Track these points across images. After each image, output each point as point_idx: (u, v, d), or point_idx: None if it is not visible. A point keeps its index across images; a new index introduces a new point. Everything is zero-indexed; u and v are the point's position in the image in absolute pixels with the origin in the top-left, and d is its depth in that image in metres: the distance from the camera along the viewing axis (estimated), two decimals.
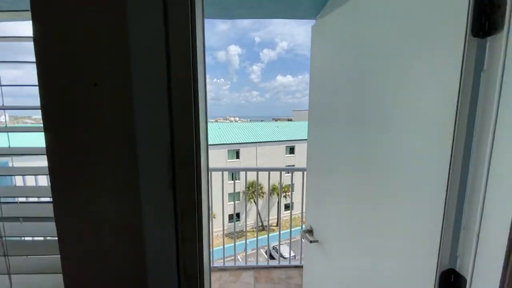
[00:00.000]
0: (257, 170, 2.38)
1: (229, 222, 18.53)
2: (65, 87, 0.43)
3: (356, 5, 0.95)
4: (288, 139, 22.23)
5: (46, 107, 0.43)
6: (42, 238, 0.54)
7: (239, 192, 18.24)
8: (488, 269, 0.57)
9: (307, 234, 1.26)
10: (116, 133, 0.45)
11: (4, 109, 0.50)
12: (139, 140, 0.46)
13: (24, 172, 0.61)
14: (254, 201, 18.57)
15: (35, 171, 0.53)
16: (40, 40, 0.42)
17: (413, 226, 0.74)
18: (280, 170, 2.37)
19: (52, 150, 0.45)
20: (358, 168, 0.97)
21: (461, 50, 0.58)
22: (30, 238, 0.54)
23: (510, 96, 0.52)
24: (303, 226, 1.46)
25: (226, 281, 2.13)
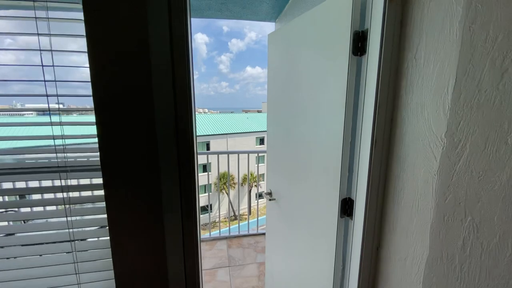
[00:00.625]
0: (228, 153, 2.72)
1: (201, 213, 18.63)
2: (111, 83, 0.71)
3: (293, 28, 1.31)
4: (258, 130, 22.77)
5: (97, 95, 0.71)
6: (88, 181, 0.80)
7: (211, 184, 18.38)
8: (362, 193, 0.99)
9: (267, 196, 1.64)
10: (141, 114, 0.74)
11: (58, 96, 0.74)
12: (157, 125, 0.76)
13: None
14: (226, 192, 18.93)
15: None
16: (94, 55, 0.69)
17: (327, 175, 1.15)
18: (248, 152, 2.74)
19: (99, 123, 0.72)
20: (297, 143, 1.36)
21: (346, 64, 0.97)
22: (76, 182, 0.79)
23: (369, 89, 0.92)
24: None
25: (202, 250, 2.45)
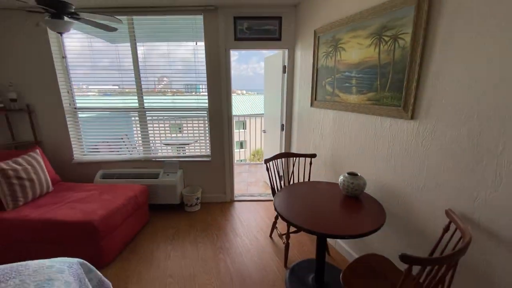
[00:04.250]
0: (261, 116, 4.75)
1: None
2: (212, 73, 2.79)
3: (270, 59, 3.21)
4: None
5: (208, 84, 2.78)
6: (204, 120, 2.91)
7: (245, 159, 20.81)
8: (284, 121, 2.93)
9: (263, 131, 3.65)
10: (218, 88, 2.81)
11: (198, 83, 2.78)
12: (223, 104, 2.81)
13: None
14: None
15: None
16: (208, 64, 2.75)
17: (277, 117, 3.10)
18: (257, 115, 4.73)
19: (208, 95, 2.81)
20: (273, 108, 3.31)
21: (281, 76, 2.88)
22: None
23: (286, 86, 2.83)
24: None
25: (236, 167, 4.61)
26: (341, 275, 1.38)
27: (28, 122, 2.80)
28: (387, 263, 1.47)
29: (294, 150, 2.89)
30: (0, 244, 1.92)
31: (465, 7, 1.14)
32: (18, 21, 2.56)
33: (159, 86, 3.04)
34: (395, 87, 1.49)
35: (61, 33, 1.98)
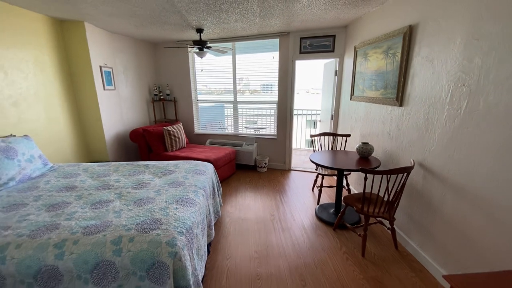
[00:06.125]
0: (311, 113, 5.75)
1: None
2: (282, 77, 4.04)
3: (328, 64, 4.19)
4: None
5: (279, 89, 4.04)
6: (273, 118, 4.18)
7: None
8: (333, 111, 3.88)
9: (319, 121, 4.65)
10: (286, 88, 4.03)
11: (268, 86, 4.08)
12: (287, 96, 4.02)
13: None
14: None
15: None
16: (279, 70, 4.01)
17: (330, 108, 4.06)
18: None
19: (278, 96, 4.07)
20: (327, 104, 4.29)
21: (333, 79, 3.86)
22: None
23: (335, 87, 3.78)
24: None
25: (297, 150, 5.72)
26: (343, 197, 2.39)
27: (173, 107, 4.77)
28: (378, 196, 2.36)
29: (339, 132, 3.81)
30: None
31: (424, 42, 1.96)
32: (174, 51, 4.47)
33: (239, 86, 4.50)
34: (393, 86, 2.34)
35: (201, 57, 3.63)
